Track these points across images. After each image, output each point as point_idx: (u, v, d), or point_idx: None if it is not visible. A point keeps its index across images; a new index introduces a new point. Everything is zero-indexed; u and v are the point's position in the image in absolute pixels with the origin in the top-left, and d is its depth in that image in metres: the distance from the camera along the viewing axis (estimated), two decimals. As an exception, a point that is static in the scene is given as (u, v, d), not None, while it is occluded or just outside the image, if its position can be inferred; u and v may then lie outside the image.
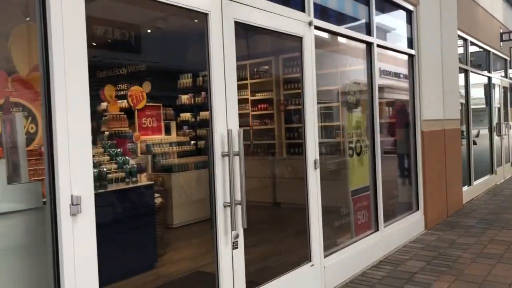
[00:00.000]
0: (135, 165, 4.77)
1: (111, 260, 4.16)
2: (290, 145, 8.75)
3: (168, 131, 8.27)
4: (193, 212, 7.06)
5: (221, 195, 2.95)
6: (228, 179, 2.94)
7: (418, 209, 6.13)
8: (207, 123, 9.03)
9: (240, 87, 9.41)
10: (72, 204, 2.09)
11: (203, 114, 10.02)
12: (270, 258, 5.13)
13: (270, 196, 8.58)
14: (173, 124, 8.21)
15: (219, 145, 2.93)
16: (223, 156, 2.94)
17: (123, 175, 4.58)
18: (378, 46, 5.16)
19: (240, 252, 3.08)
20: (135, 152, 7.35)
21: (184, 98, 10.24)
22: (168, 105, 8.89)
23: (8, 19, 4.32)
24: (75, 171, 2.11)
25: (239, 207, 3.00)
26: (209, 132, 2.94)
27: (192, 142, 9.70)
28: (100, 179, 4.34)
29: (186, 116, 10.25)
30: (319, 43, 5.18)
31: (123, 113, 7.47)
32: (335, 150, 7.11)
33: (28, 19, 4.40)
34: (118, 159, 4.70)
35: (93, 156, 4.61)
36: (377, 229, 5.09)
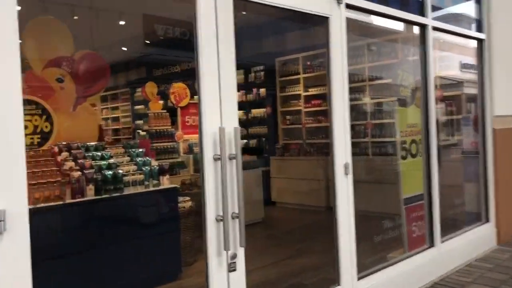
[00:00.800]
0: (157, 167, 4.40)
1: (123, 270, 3.82)
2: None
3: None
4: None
5: (213, 207, 2.45)
6: (224, 186, 2.43)
7: (488, 220, 5.22)
8: (259, 121, 8.55)
9: (292, 82, 8.84)
10: (-6, 221, 1.69)
11: (255, 112, 9.57)
12: (300, 275, 4.55)
13: (323, 200, 7.93)
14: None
15: (210, 147, 2.43)
16: (215, 159, 2.44)
17: (142, 177, 4.22)
18: (435, 29, 4.37)
19: (239, 275, 2.56)
20: (177, 151, 7.06)
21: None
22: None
23: (22, 12, 4.12)
24: (-2, 179, 1.71)
25: (236, 221, 2.49)
26: (199, 131, 2.45)
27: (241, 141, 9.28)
28: (115, 182, 4.02)
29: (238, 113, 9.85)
30: (362, 29, 4.51)
31: (164, 111, 7.21)
32: (387, 151, 6.31)
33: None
34: (138, 160, 4.36)
35: (111, 156, 4.33)
36: (432, 245, 4.32)
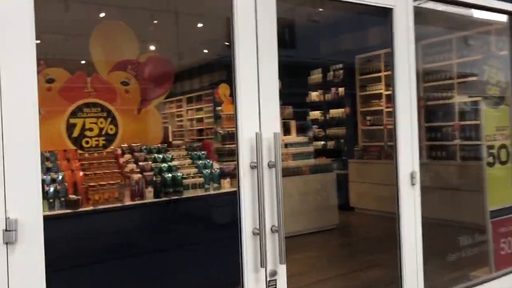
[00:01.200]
0: (218, 169, 4.30)
1: (180, 275, 3.76)
2: (431, 148, 7.42)
3: (288, 131, 7.70)
4: (308, 221, 6.38)
5: (250, 219, 2.25)
6: (262, 197, 2.23)
7: None
8: (337, 122, 8.21)
9: (373, 81, 8.35)
10: (6, 230, 1.64)
11: (334, 112, 9.21)
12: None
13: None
14: (292, 124, 7.61)
15: (246, 153, 2.24)
16: (252, 167, 2.24)
17: (201, 180, 4.15)
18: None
19: (281, 294, 2.34)
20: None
21: (314, 95, 9.57)
22: (288, 103, 8.33)
23: (88, 18, 4.25)
24: (10, 185, 1.66)
25: (275, 235, 2.27)
26: (235, 136, 2.27)
27: (318, 143, 9.00)
28: (174, 185, 3.98)
29: (315, 114, 9.57)
30: (447, 20, 4.04)
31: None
32: (475, 155, 5.67)
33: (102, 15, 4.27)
34: (199, 163, 4.29)
35: (173, 159, 4.31)
36: (525, 266, 3.73)
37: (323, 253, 5.68)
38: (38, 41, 1.82)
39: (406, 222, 2.84)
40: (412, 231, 2.87)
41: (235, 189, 4.29)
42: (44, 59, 3.89)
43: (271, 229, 2.28)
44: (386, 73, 8.03)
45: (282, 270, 2.34)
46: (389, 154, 7.99)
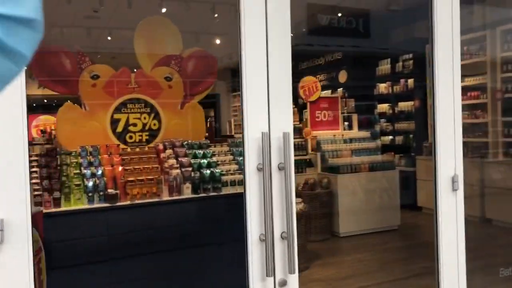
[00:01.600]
0: (258, 167, 4.17)
1: (214, 272, 3.71)
2: (509, 145, 6.75)
3: (351, 126, 7.38)
4: (366, 221, 6.07)
5: (256, 225, 2.10)
6: (268, 201, 2.08)
7: None
8: (406, 116, 7.75)
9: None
10: (-8, 230, 1.65)
11: (402, 105, 8.70)
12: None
13: (477, 209, 6.79)
14: (354, 118, 7.27)
15: (254, 154, 2.09)
16: (259, 170, 2.09)
17: (241, 177, 4.05)
18: None
19: (290, 306, 2.17)
20: (305, 148, 6.77)
21: (382, 87, 9.10)
22: (354, 96, 7.97)
23: (135, 14, 4.30)
24: (-4, 187, 1.67)
25: (285, 242, 2.11)
26: (242, 135, 2.13)
27: (386, 138, 8.57)
28: (212, 181, 3.93)
29: (383, 107, 9.10)
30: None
31: (293, 105, 6.96)
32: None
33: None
34: (239, 159, 4.20)
35: (214, 155, 4.26)
36: None
37: (378, 256, 5.36)
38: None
39: (444, 232, 2.53)
40: (454, 246, 2.55)
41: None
42: (89, 55, 4.00)
43: (281, 235, 2.13)
44: (461, 62, 7.39)
45: (293, 279, 2.17)
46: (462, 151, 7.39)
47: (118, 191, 3.66)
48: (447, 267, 2.53)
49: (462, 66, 7.34)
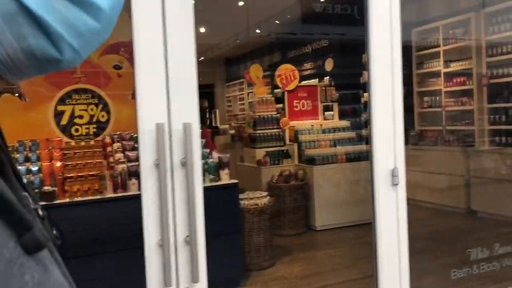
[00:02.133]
0: (213, 161, 3.94)
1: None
2: (495, 132, 6.46)
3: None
4: (342, 214, 5.83)
5: (155, 228, 1.86)
6: (170, 201, 1.84)
7: None
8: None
9: (431, 56, 7.40)
10: None
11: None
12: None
13: (462, 201, 6.54)
14: (335, 107, 6.99)
15: (150, 148, 1.84)
16: (156, 166, 1.84)
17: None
18: None
19: (197, 318, 1.93)
20: (282, 139, 6.52)
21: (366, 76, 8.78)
22: (339, 85, 7.68)
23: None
24: None
25: (187, 248, 1.87)
26: (137, 127, 1.89)
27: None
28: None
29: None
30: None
31: (270, 95, 6.71)
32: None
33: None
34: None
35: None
36: None
37: (350, 251, 5.12)
38: None
39: (384, 234, 2.27)
40: (394, 246, 2.30)
41: (234, 181, 3.92)
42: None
43: (185, 239, 1.88)
44: (445, 47, 7.08)
45: (200, 288, 1.94)
46: (447, 140, 7.09)
47: (55, 188, 3.43)
48: (387, 272, 2.28)
49: (448, 52, 7.02)
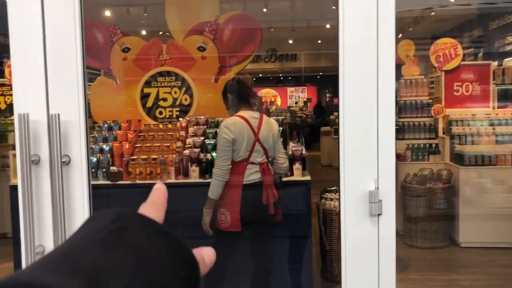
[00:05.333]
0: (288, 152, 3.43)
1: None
2: None
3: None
4: (492, 232, 4.54)
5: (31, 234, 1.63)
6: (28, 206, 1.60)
7: None
8: None
9: None
10: None
11: None
12: None
13: None
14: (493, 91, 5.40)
15: (25, 139, 1.60)
16: (32, 162, 1.59)
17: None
18: None
19: None
20: (433, 130, 5.42)
21: None
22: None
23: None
24: None
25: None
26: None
27: None
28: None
29: None
30: None
31: (422, 76, 5.59)
32: None
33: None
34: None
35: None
36: None
37: (503, 283, 3.90)
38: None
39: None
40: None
41: (306, 178, 3.40)
42: (121, 29, 3.90)
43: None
44: None
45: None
46: None
47: (121, 169, 3.51)
48: None
49: None
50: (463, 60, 5.36)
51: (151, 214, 0.43)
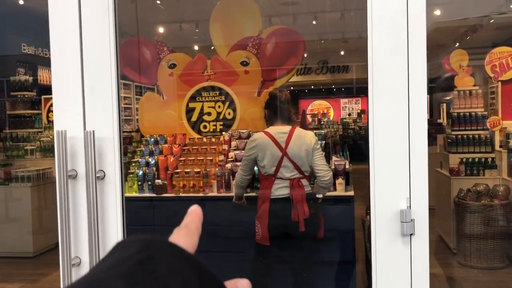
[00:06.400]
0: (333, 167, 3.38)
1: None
2: None
3: None
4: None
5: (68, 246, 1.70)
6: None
7: None
8: None
9: None
10: None
11: None
12: None
13: None
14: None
15: (63, 155, 1.68)
16: (71, 177, 1.67)
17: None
18: None
19: None
20: (489, 143, 5.15)
21: None
22: None
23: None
24: None
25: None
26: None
27: None
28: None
29: None
30: None
31: (477, 87, 5.34)
32: None
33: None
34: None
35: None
36: None
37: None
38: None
39: (379, 306, 1.46)
40: (399, 327, 1.45)
41: (350, 194, 3.34)
42: (167, 46, 4.02)
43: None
44: None
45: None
46: None
47: (166, 182, 3.60)
48: None
49: None
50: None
51: (184, 240, 0.41)
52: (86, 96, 1.65)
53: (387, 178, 1.46)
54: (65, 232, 1.62)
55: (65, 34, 1.65)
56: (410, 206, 1.44)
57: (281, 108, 2.82)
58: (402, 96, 1.43)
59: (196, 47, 4.40)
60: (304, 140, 2.80)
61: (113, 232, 1.66)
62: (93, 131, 1.59)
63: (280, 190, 2.76)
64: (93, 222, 1.61)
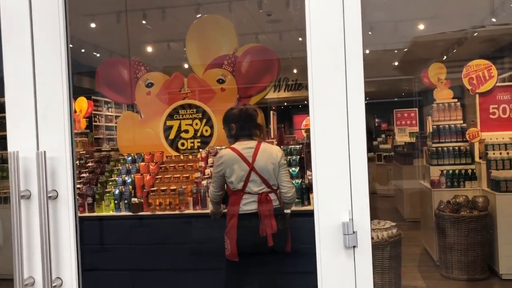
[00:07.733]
0: (297, 181, 3.40)
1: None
2: None
3: None
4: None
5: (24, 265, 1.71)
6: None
7: None
8: None
9: None
10: None
11: None
12: None
13: None
14: None
15: (15, 176, 1.70)
16: (22, 197, 1.69)
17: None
18: None
19: None
20: (469, 155, 5.20)
21: None
22: None
23: (188, 15, 4.11)
24: None
25: (48, 292, 1.65)
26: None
27: None
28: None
29: None
30: None
31: (455, 100, 5.41)
32: None
33: (199, 16, 4.08)
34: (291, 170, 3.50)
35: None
36: None
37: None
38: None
39: (325, 319, 1.47)
40: None
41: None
42: (144, 65, 4.08)
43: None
44: None
45: None
46: None
47: (142, 200, 3.61)
48: None
49: None
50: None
51: None
52: (39, 117, 1.68)
53: (329, 190, 1.49)
54: (18, 252, 1.63)
55: (17, 56, 1.69)
56: (352, 219, 1.46)
57: (245, 124, 2.86)
58: (341, 110, 1.47)
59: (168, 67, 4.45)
60: (271, 154, 2.82)
61: (66, 251, 1.68)
62: (44, 152, 1.62)
63: (248, 205, 2.78)
64: (45, 242, 1.62)
